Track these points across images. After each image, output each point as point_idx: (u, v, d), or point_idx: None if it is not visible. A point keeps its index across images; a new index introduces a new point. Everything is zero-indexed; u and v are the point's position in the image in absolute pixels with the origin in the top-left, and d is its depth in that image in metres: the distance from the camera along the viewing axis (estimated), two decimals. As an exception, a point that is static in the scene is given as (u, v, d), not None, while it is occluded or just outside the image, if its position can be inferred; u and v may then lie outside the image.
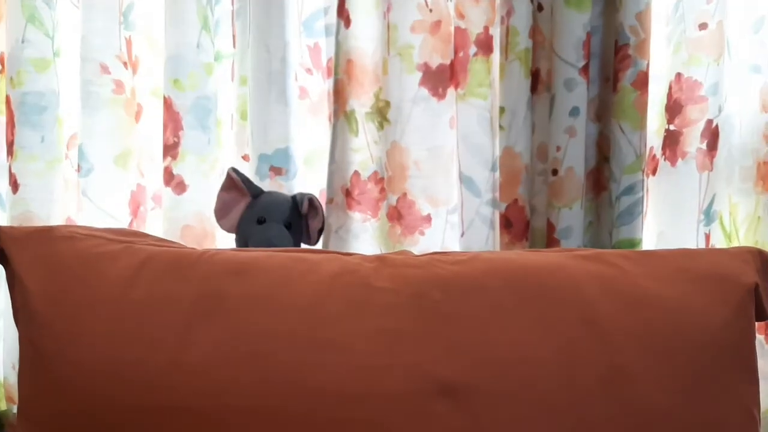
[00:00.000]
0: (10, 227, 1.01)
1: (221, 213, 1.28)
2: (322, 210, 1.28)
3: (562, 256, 0.99)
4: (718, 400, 0.93)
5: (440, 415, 0.89)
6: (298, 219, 1.26)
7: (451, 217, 1.31)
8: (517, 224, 1.34)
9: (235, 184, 1.26)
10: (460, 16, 1.32)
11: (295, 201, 1.26)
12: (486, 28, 1.32)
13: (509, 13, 1.31)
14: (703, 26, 1.27)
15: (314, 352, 0.90)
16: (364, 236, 1.33)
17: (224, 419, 0.89)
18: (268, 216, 1.25)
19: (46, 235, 0.98)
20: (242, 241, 1.27)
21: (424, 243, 1.30)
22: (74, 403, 0.91)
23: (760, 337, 1.30)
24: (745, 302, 0.95)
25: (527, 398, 0.89)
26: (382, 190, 1.33)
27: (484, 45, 1.32)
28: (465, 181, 1.33)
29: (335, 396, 0.89)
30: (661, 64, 1.31)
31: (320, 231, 1.29)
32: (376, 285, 0.94)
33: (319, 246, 1.32)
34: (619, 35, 1.28)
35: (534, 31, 1.32)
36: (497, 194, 1.33)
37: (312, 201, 1.25)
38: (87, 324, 0.92)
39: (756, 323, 1.07)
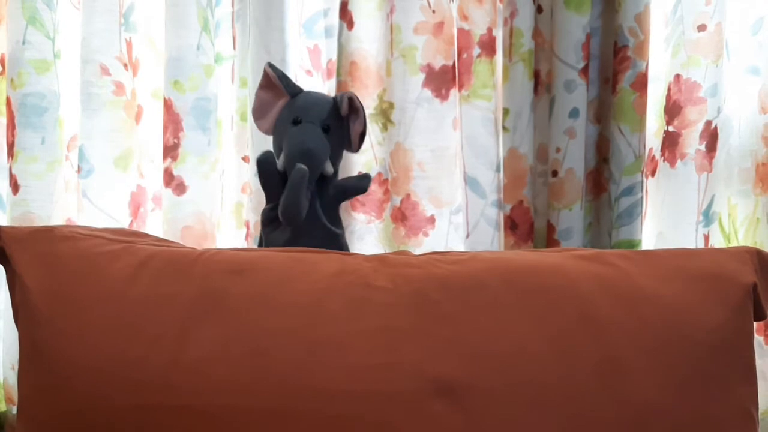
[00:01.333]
0: (11, 227, 1.01)
1: (258, 113, 1.18)
2: (364, 112, 1.15)
3: (560, 256, 0.99)
4: (715, 400, 0.93)
5: (439, 413, 0.89)
6: (338, 122, 1.14)
7: (455, 218, 1.31)
8: (522, 225, 1.34)
9: (272, 81, 1.16)
10: (464, 17, 1.32)
11: (336, 102, 1.14)
12: (489, 30, 1.32)
13: (513, 14, 1.31)
14: (701, 28, 1.28)
15: (314, 351, 0.90)
16: (368, 237, 1.33)
17: (223, 418, 0.89)
18: (305, 116, 1.13)
19: (47, 234, 0.98)
20: (278, 144, 1.16)
21: (429, 244, 1.30)
22: (74, 402, 0.91)
23: (759, 338, 1.30)
24: (744, 302, 0.95)
25: (526, 396, 0.89)
26: (387, 191, 1.33)
27: (488, 46, 1.32)
28: (470, 182, 1.33)
29: (334, 395, 0.89)
30: (660, 65, 1.31)
31: (362, 136, 1.16)
32: (375, 284, 0.94)
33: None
34: (618, 37, 1.28)
35: (534, 33, 1.33)
36: (502, 195, 1.33)
37: (352, 101, 1.13)
38: (87, 322, 0.92)
39: (755, 323, 1.07)
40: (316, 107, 1.14)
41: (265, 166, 1.13)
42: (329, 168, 1.13)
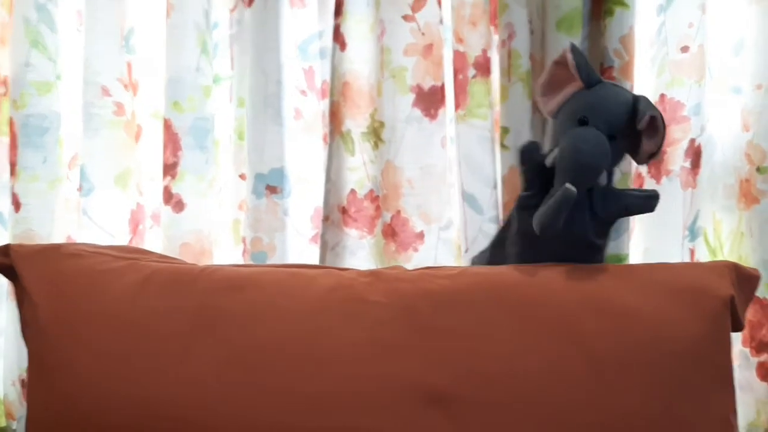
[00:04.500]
0: (20, 245, 1.04)
1: (546, 88, 1.08)
2: (664, 133, 1.02)
3: (546, 272, 1.02)
4: (696, 408, 0.95)
5: (429, 425, 0.92)
6: (629, 130, 1.02)
7: (444, 233, 1.34)
8: None
9: (567, 63, 1.04)
10: (459, 40, 1.34)
11: (635, 106, 1.02)
12: (484, 51, 1.34)
13: (510, 36, 1.32)
14: (685, 49, 1.30)
15: (309, 363, 0.93)
16: (360, 253, 1.36)
17: (222, 430, 0.92)
18: (593, 118, 1.01)
19: (55, 252, 1.02)
20: (555, 135, 1.06)
21: (418, 259, 1.33)
22: (81, 414, 0.93)
23: (745, 350, 1.32)
24: (722, 314, 0.98)
25: (514, 407, 0.92)
26: (378, 207, 1.36)
27: (483, 67, 1.34)
28: (467, 198, 1.35)
29: (329, 406, 0.92)
30: (645, 85, 1.33)
31: (653, 155, 1.04)
32: (369, 299, 0.97)
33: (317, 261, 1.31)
34: (604, 58, 1.31)
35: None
36: (500, 212, 1.35)
37: (654, 120, 1.00)
38: (93, 337, 0.95)
39: (740, 335, 1.10)
40: (608, 110, 1.02)
41: (528, 155, 1.05)
42: (603, 181, 1.04)
